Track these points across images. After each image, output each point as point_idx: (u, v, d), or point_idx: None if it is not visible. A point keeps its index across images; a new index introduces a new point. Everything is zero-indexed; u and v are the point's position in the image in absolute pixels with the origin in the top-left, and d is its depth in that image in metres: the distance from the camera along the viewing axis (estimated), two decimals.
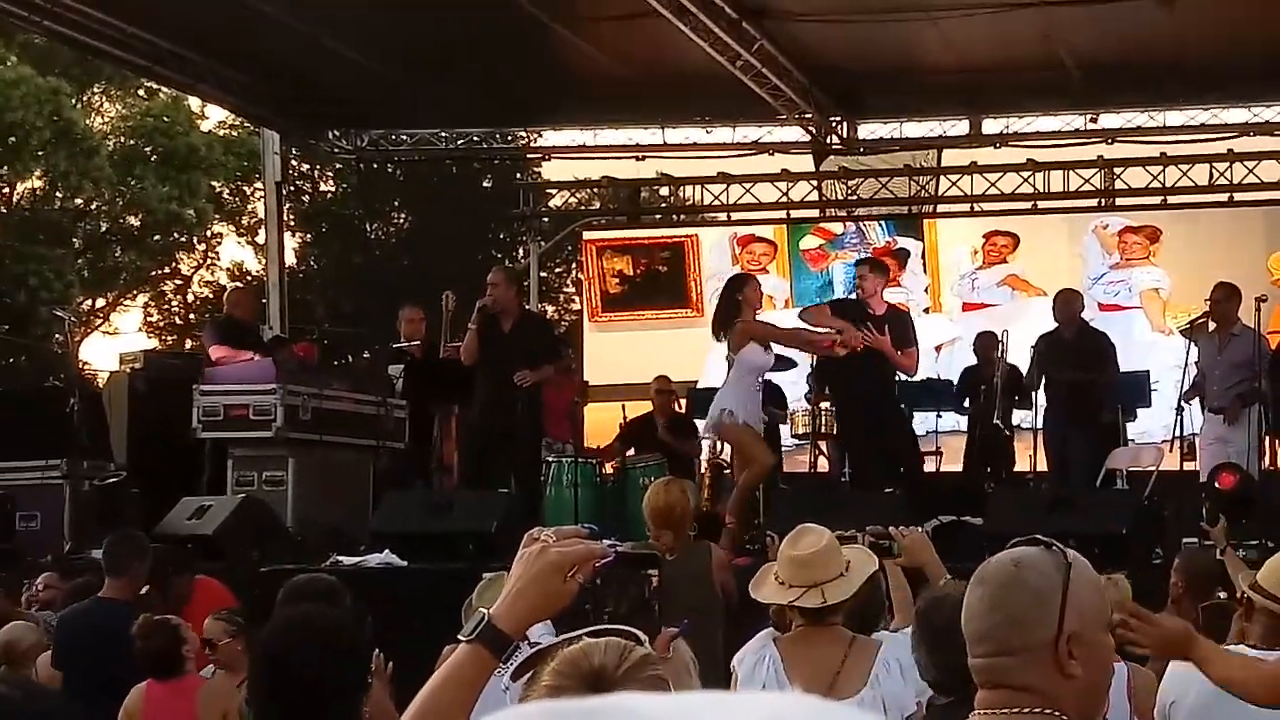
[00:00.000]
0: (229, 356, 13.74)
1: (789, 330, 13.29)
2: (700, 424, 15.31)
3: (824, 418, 14.02)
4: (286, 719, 3.93)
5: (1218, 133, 18.34)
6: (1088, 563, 3.05)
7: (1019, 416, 14.79)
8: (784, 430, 15.09)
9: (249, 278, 33.05)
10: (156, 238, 33.80)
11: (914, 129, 19.11)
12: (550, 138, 20.75)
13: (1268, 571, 5.67)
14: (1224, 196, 18.60)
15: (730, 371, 12.17)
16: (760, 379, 12.35)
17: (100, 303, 34.98)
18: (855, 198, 19.94)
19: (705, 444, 14.79)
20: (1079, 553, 3.07)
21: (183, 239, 34.64)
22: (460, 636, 2.64)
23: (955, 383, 16.02)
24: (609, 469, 14.53)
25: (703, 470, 14.64)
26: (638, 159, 20.08)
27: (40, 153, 30.93)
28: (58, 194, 32.30)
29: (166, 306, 35.78)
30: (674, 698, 0.68)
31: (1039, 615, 2.94)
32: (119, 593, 8.76)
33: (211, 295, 34.91)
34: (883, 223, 19.58)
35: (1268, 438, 13.28)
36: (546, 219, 22.51)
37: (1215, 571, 8.20)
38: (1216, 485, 12.04)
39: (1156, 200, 18.83)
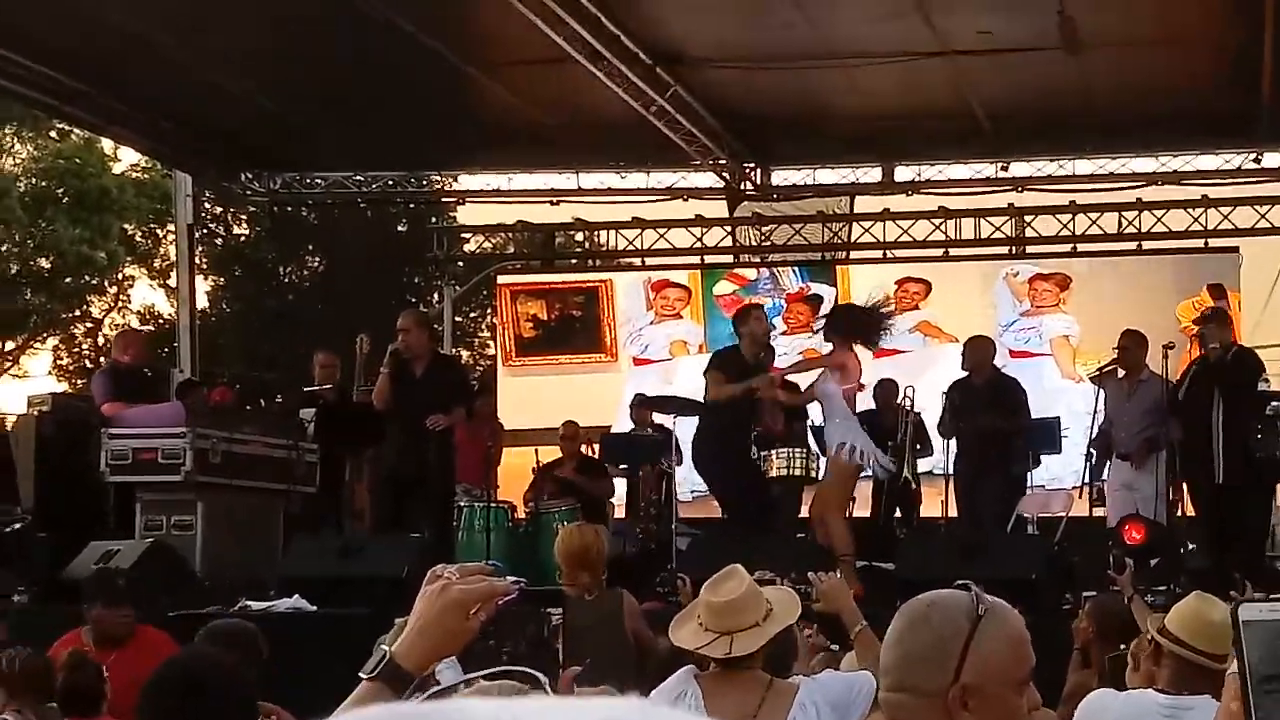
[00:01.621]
0: (120, 411, 13.60)
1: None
2: (611, 469, 15.38)
3: None
4: None
5: (1126, 182, 18.55)
6: (1011, 616, 2.96)
7: (926, 463, 14.88)
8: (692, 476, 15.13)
9: (160, 321, 32.82)
10: (67, 280, 33.51)
11: (827, 175, 19.24)
12: (465, 182, 20.73)
13: (1175, 616, 5.71)
14: (1133, 245, 18.79)
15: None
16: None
17: (9, 345, 34.63)
18: (769, 244, 20.02)
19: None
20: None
21: (94, 281, 34.35)
22: (362, 674, 2.63)
23: None
24: (521, 513, 14.52)
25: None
26: (552, 204, 20.10)
27: None
28: None
29: (76, 349, 35.46)
30: (512, 701, 0.68)
31: (937, 658, 2.89)
32: None
33: None
34: (796, 269, 19.65)
35: (1173, 484, 13.40)
36: (461, 263, 22.47)
37: (1124, 617, 8.25)
38: (1125, 539, 12.12)
39: (1066, 248, 19.00)
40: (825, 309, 19.05)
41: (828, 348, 14.17)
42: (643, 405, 15.77)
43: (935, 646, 2.89)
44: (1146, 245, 18.76)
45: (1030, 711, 3.03)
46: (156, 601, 11.73)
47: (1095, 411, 13.71)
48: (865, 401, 16.23)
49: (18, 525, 13.60)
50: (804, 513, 14.40)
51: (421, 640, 2.64)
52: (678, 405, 14.72)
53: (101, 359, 33.96)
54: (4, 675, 7.55)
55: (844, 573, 10.75)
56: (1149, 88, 15.97)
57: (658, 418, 15.40)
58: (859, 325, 13.05)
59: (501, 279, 20.83)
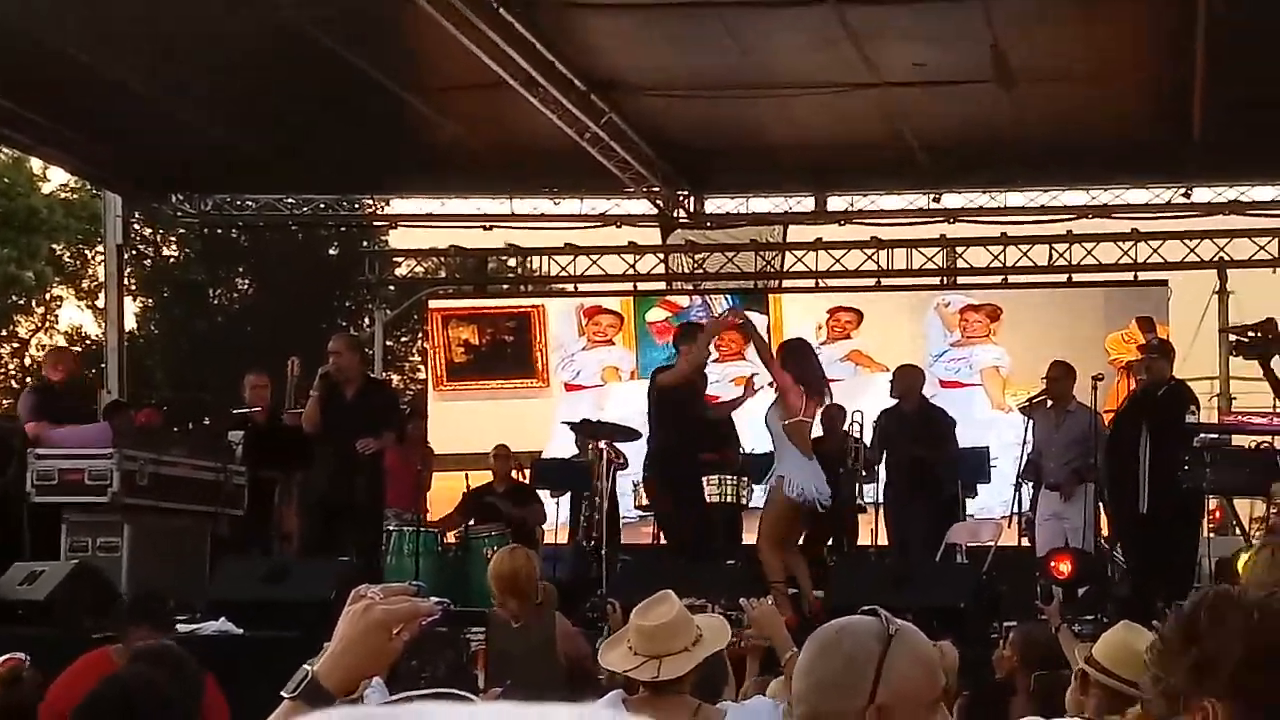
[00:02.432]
0: (43, 431, 13.48)
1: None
2: (542, 494, 15.35)
3: None
4: None
5: (1057, 214, 18.67)
6: (922, 639, 3.01)
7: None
8: (628, 500, 15.14)
9: (88, 342, 32.60)
10: None
11: (760, 204, 19.30)
12: (397, 205, 20.69)
13: (1103, 646, 5.74)
14: (1063, 277, 18.91)
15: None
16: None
17: None
18: (701, 271, 20.05)
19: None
20: (916, 626, 3.03)
21: (21, 301, 34.11)
22: (283, 693, 2.60)
23: None
24: (451, 538, 14.47)
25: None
26: (485, 229, 20.08)
27: None
28: None
29: (3, 370, 35.20)
30: (474, 706, 0.67)
31: (849, 682, 2.90)
32: None
33: None
34: (728, 297, 19.68)
35: (1102, 514, 13.49)
36: (393, 287, 22.43)
37: (1049, 646, 8.28)
38: (1052, 573, 12.18)
39: (997, 279, 19.10)
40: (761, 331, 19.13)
41: (759, 374, 14.18)
42: (584, 431, 15.78)
43: (848, 671, 2.90)
44: (1077, 278, 18.89)
45: None
46: (81, 623, 11.65)
47: (1024, 442, 13.79)
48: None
49: None
50: (745, 539, 14.42)
51: (344, 660, 2.62)
52: (617, 431, 14.71)
53: (28, 379, 33.75)
54: None
55: (776, 600, 10.75)
56: (1080, 122, 16.09)
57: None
58: (809, 372, 12.99)
59: (433, 303, 20.76)
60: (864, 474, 14.54)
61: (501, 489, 15.39)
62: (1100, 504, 13.40)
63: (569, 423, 15.58)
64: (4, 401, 32.94)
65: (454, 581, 13.07)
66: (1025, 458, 13.79)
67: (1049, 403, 13.87)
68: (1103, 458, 13.24)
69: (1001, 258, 19.02)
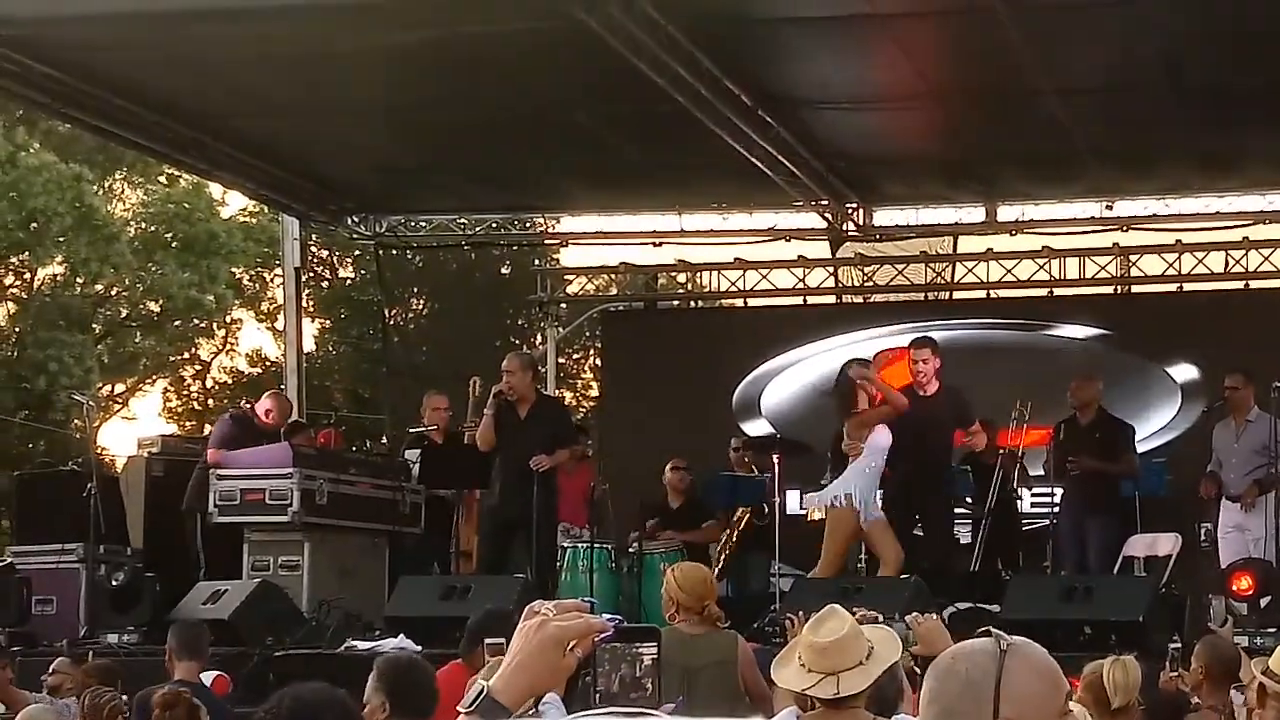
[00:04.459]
0: (223, 460, 13.69)
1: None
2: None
3: None
4: None
5: (1233, 220, 18.36)
6: (1038, 651, 3.02)
7: (1027, 502, 14.89)
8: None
9: (268, 363, 33.18)
10: (176, 323, 33.94)
11: (930, 215, 19.15)
12: (568, 223, 20.82)
13: (1279, 657, 5.64)
14: (1240, 284, 18.61)
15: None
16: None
17: (120, 388, 35.08)
18: (871, 284, 19.97)
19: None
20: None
21: (202, 325, 34.78)
22: (459, 708, 2.66)
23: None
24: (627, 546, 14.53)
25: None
26: (655, 245, 20.14)
27: (61, 239, 31.08)
28: (78, 280, 32.46)
29: (185, 392, 35.91)
30: None
31: (972, 704, 2.91)
32: (193, 674, 8.87)
33: (230, 381, 35.02)
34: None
35: None
36: (564, 305, 22.59)
37: (1236, 659, 8.17)
38: (1233, 590, 12.00)
39: (1173, 287, 18.83)
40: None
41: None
42: (746, 447, 15.78)
43: (968, 692, 2.92)
44: (1254, 284, 18.55)
45: None
46: (263, 640, 11.88)
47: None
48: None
49: (126, 568, 13.78)
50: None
51: (518, 675, 2.67)
52: (782, 446, 14.69)
53: (210, 400, 34.41)
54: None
55: None
56: (1253, 125, 15.79)
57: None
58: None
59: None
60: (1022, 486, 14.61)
61: (676, 504, 15.40)
62: None
63: (739, 437, 15.63)
64: (187, 423, 33.62)
65: (629, 597, 13.13)
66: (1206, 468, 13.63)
67: (1229, 412, 13.70)
68: None
69: (1177, 265, 18.76)
